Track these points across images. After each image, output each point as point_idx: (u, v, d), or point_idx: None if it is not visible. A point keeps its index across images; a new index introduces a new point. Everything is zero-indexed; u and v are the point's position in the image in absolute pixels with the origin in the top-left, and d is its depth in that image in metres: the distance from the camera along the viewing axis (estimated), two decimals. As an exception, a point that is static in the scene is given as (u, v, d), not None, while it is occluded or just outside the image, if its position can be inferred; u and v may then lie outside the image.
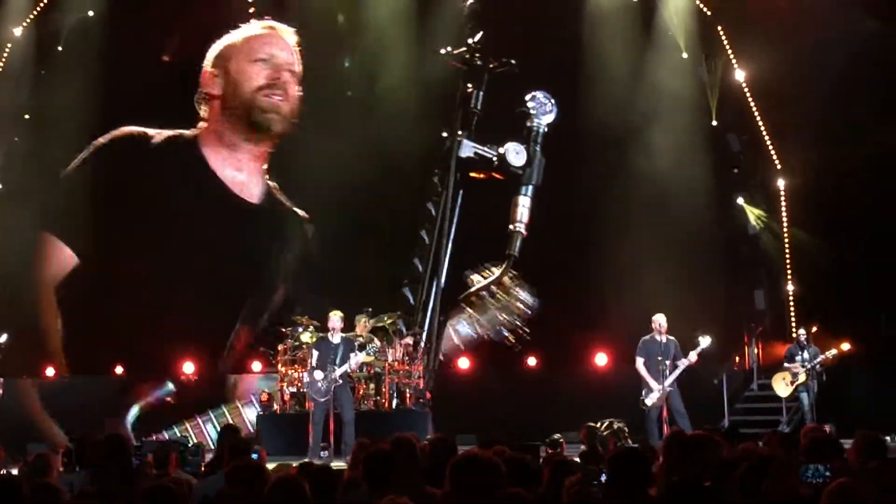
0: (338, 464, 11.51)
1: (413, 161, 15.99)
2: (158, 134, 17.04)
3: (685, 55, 18.15)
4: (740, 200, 18.39)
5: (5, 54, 18.15)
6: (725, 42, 18.01)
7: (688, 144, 17.46)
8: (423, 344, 16.00)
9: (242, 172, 16.89)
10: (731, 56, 18.00)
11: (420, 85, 16.64)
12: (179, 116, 18.36)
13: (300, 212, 17.35)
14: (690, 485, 4.12)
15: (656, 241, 17.16)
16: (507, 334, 13.64)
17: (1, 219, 18.04)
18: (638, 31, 18.05)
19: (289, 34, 17.05)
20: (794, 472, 5.17)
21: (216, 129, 17.03)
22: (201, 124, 17.57)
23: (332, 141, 16.81)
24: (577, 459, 8.00)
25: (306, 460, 10.60)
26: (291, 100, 16.75)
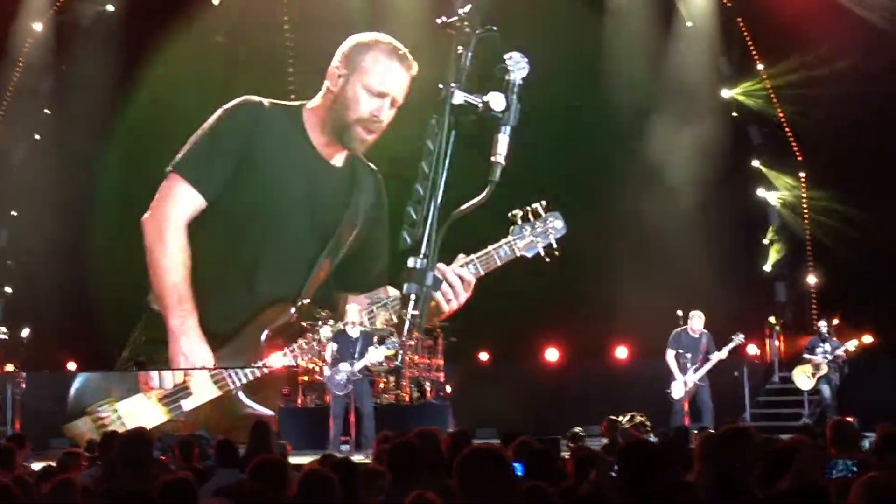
0: (357, 457, 11.51)
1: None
2: (272, 103, 18.05)
3: (704, 46, 18.07)
4: (761, 191, 18.28)
5: (25, 49, 18.17)
6: (745, 33, 17.91)
7: (708, 136, 17.38)
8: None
9: (331, 147, 18.16)
10: (752, 47, 17.91)
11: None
12: (199, 109, 18.42)
13: (372, 165, 18.18)
14: (734, 484, 4.08)
15: (676, 232, 17.10)
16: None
17: (22, 215, 18.12)
18: (657, 23, 17.97)
19: (413, 68, 17.55)
20: (819, 464, 5.13)
21: (321, 115, 18.03)
22: (314, 101, 18.12)
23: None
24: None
25: (327, 453, 10.60)
26: (381, 129, 17.74)
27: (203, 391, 17.56)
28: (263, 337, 17.74)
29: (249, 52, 18.45)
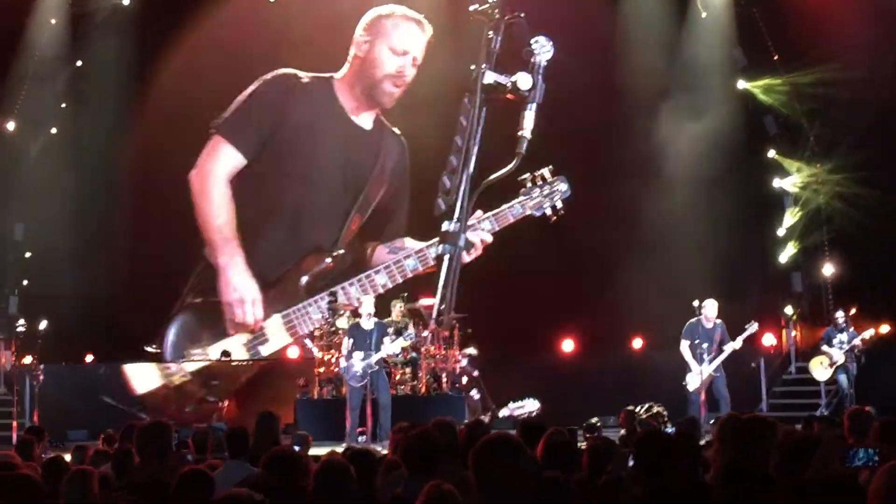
0: (374, 448, 11.53)
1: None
2: (306, 75, 19.20)
3: (719, 36, 18.03)
4: (777, 181, 18.22)
5: (41, 43, 18.21)
6: (761, 24, 17.85)
7: (722, 126, 17.35)
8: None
9: (361, 109, 19.37)
10: (767, 39, 17.84)
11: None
12: (215, 102, 18.49)
13: (396, 130, 19.28)
14: (747, 470, 4.07)
15: (691, 222, 17.08)
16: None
17: (38, 211, 18.16)
18: (672, 11, 17.94)
19: (428, 30, 18.89)
20: (839, 454, 5.12)
21: (350, 81, 19.19)
22: (342, 70, 19.14)
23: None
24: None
25: (345, 445, 10.64)
26: (405, 85, 19.09)
27: (278, 338, 18.38)
28: (303, 282, 18.69)
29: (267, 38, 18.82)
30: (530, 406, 15.32)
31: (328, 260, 18.77)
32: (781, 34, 17.61)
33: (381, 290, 17.67)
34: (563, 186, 16.04)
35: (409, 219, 19.03)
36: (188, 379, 17.84)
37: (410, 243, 18.55)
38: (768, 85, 17.92)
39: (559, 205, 15.99)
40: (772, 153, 18.24)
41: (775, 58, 17.81)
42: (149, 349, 18.37)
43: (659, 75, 17.65)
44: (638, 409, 13.47)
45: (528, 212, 16.39)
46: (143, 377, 17.93)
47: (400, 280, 17.84)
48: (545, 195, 16.08)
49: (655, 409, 13.69)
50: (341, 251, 18.89)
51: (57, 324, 17.52)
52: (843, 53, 16.01)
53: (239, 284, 18.61)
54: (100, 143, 18.32)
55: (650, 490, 5.31)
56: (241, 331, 18.45)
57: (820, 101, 17.11)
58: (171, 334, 18.69)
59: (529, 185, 16.08)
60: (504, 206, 16.74)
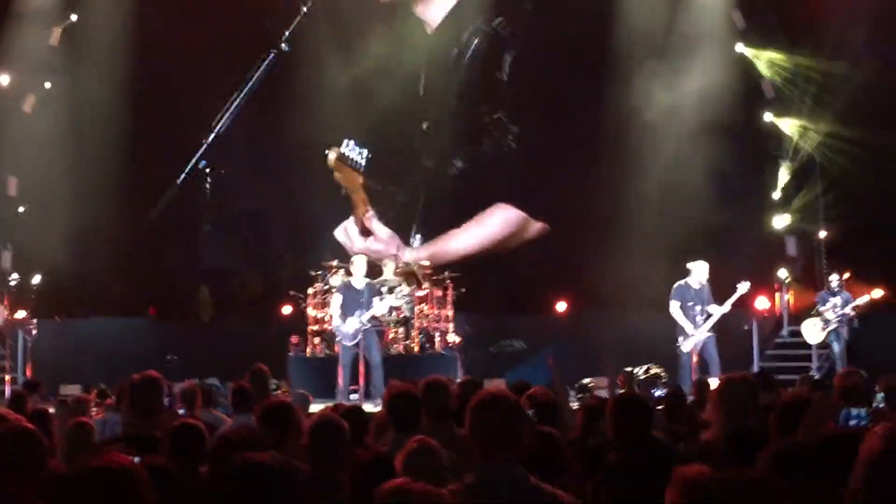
0: (367, 406, 11.56)
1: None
2: None
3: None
4: (768, 117, 18.13)
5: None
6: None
7: (719, 88, 17.31)
8: None
9: None
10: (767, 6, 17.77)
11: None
12: (214, 54, 18.37)
13: None
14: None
15: (685, 185, 17.07)
16: None
17: (33, 163, 18.03)
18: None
19: None
20: (831, 415, 5.13)
21: None
22: None
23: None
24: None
25: (338, 402, 10.65)
26: None
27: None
28: None
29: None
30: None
31: None
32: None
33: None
34: None
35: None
36: None
37: None
38: (770, 59, 17.80)
39: None
40: (768, 116, 18.15)
41: (775, 25, 17.68)
42: None
43: (655, 36, 17.55)
44: (637, 370, 13.49)
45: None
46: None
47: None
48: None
49: (654, 371, 13.70)
50: None
51: (51, 279, 17.49)
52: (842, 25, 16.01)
53: None
54: (95, 97, 18.18)
55: (622, 457, 5.33)
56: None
57: (819, 81, 17.06)
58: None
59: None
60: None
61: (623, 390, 11.33)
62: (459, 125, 19.30)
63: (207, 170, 18.91)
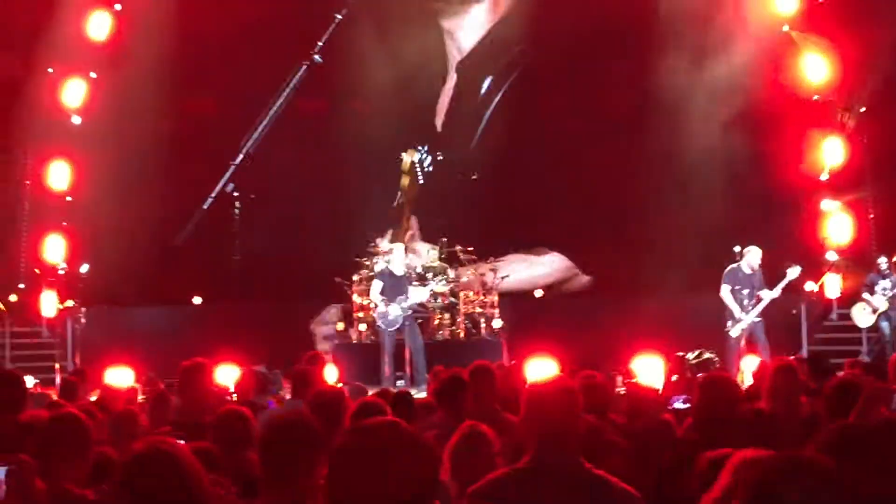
0: (413, 392, 11.57)
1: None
2: None
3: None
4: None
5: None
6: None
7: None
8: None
9: None
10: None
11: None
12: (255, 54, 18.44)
13: None
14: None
15: (731, 165, 16.92)
16: None
17: (84, 157, 18.09)
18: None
19: None
20: (886, 399, 5.07)
21: None
22: None
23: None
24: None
25: (383, 388, 10.69)
26: None
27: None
28: None
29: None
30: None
31: None
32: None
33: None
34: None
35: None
36: None
37: None
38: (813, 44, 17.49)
39: None
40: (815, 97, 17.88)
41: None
42: None
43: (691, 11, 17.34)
44: (688, 355, 13.40)
45: None
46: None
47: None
48: None
49: (706, 356, 13.61)
50: None
51: (99, 267, 17.62)
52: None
53: None
54: (138, 91, 18.20)
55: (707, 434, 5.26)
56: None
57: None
58: None
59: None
60: None
61: (676, 376, 11.24)
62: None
63: (235, 194, 19.00)
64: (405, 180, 18.77)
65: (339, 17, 19.14)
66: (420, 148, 18.80)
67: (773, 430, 5.31)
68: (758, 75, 17.06)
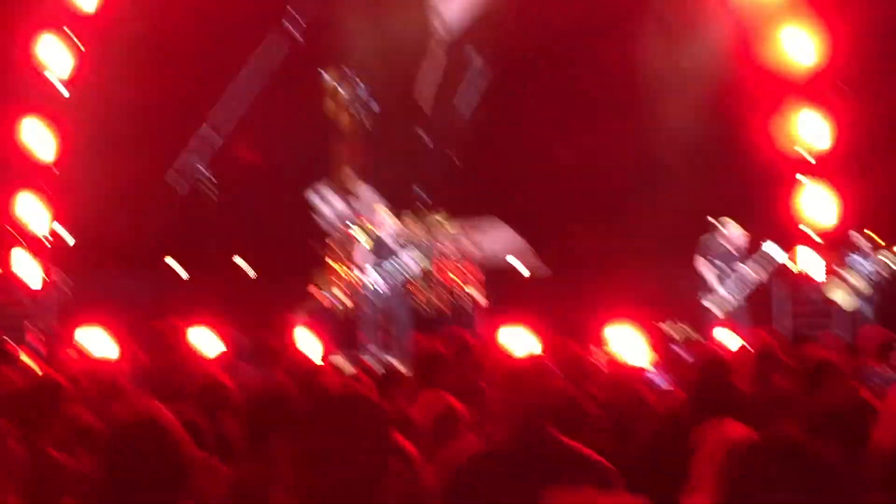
0: (394, 363, 11.61)
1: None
2: None
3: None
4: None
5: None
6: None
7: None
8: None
9: None
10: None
11: None
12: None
13: None
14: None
15: (707, 140, 16.98)
16: None
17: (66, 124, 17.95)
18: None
19: None
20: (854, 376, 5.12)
21: None
22: None
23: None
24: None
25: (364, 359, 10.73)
26: None
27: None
28: None
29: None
30: None
31: None
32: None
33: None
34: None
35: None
36: None
37: None
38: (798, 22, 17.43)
39: None
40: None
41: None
42: None
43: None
44: (665, 326, 13.49)
45: None
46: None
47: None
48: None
49: (687, 331, 13.70)
50: None
51: (84, 237, 17.56)
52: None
53: None
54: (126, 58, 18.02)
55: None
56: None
57: None
58: None
59: None
60: None
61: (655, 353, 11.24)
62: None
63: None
64: (332, 107, 17.89)
65: None
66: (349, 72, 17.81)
67: (752, 409, 5.36)
68: (741, 54, 17.06)
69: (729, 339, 13.65)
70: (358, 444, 2.97)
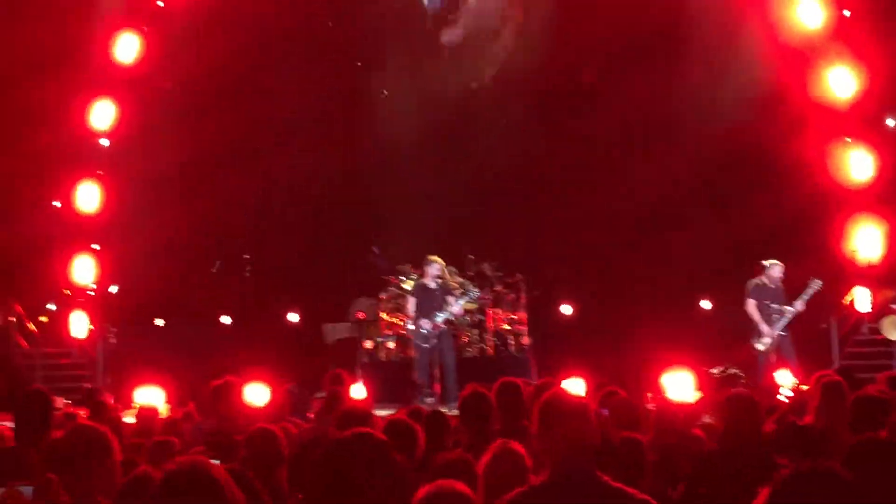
0: (444, 410, 11.55)
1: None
2: None
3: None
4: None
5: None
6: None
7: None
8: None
9: None
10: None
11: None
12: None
13: None
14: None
15: (750, 172, 16.88)
16: None
17: (113, 179, 18.19)
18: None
19: None
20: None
21: None
22: None
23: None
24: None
25: (414, 406, 10.68)
26: None
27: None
28: None
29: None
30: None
31: None
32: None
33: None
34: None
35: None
36: None
37: None
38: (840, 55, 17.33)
39: None
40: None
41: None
42: None
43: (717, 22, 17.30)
44: (714, 370, 13.33)
45: None
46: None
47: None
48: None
49: (731, 371, 13.53)
50: None
51: (128, 288, 17.72)
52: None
53: None
54: (168, 110, 18.33)
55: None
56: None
57: None
58: None
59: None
60: None
61: (701, 393, 11.16)
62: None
63: (246, 256, 19.34)
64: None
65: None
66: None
67: (821, 445, 5.31)
68: (785, 86, 16.98)
69: (787, 381, 13.47)
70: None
